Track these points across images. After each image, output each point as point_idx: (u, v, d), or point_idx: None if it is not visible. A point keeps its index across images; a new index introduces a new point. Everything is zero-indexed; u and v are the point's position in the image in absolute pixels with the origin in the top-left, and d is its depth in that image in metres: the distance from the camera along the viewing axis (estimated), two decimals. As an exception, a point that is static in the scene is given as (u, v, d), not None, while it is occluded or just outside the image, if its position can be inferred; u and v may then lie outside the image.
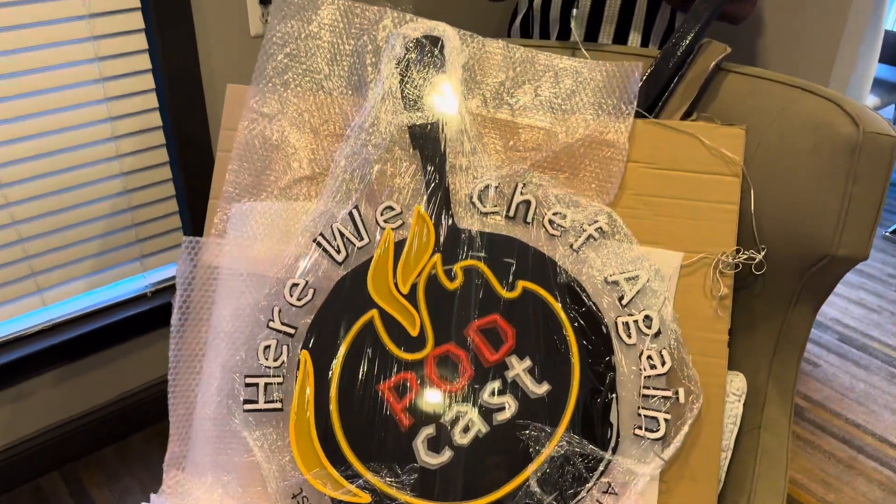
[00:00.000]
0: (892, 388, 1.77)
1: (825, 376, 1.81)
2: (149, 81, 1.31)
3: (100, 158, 1.30)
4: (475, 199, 0.92)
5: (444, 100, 0.94)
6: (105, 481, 1.45)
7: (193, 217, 1.42)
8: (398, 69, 0.94)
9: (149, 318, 1.44)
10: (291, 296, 0.91)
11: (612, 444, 0.87)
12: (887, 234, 2.48)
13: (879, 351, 1.89)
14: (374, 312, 0.91)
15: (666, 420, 0.86)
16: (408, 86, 0.94)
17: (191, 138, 1.36)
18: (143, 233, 1.41)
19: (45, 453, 1.44)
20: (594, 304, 0.90)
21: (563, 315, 0.89)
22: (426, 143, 0.94)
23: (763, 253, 0.88)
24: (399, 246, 0.92)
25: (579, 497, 0.85)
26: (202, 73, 1.33)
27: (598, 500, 0.86)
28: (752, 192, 0.90)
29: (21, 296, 1.31)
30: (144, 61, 1.29)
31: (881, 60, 2.45)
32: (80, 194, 1.30)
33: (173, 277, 1.48)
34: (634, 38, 1.22)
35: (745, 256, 0.88)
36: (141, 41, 1.26)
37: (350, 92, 0.97)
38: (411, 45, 0.95)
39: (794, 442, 1.62)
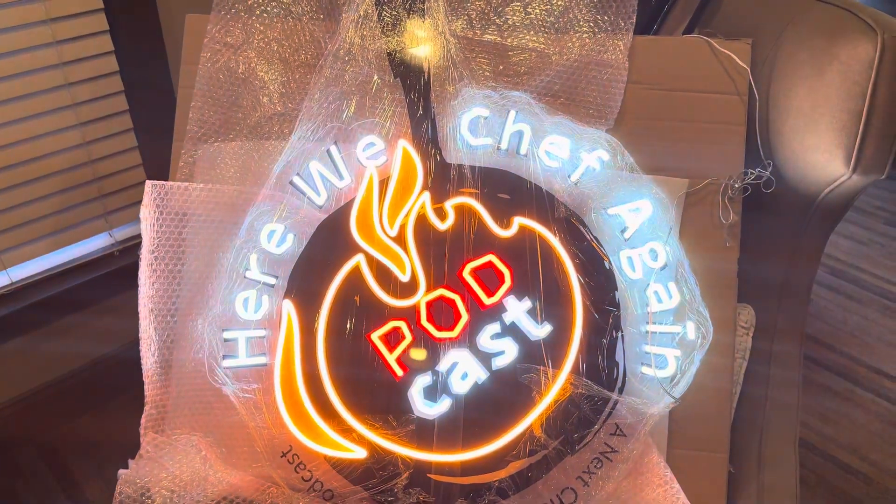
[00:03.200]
0: (886, 319, 1.75)
1: (818, 311, 1.79)
2: (102, 22, 1.20)
3: (54, 108, 1.20)
4: (464, 131, 0.85)
5: (425, 22, 0.86)
6: (83, 450, 1.39)
7: (159, 168, 1.32)
8: (374, -11, 0.86)
9: (118, 277, 1.36)
10: (269, 242, 0.84)
11: (619, 384, 0.82)
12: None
13: (871, 283, 1.87)
14: (360, 257, 0.84)
15: (675, 357, 0.81)
16: (385, 7, 0.86)
17: (150, 82, 1.27)
18: (107, 187, 1.32)
19: (18, 425, 1.37)
20: (595, 238, 0.84)
21: (562, 251, 0.83)
22: (408, 70, 0.86)
23: (770, 169, 0.82)
24: (384, 184, 0.85)
25: (586, 440, 0.81)
26: (159, 8, 1.23)
27: (605, 443, 0.81)
28: (757, 104, 0.83)
29: (-23, 259, 1.22)
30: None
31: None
32: (34, 147, 1.20)
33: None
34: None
35: (753, 177, 0.83)
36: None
37: (321, 17, 0.88)
38: (387, -38, 0.86)
39: (789, 377, 1.60)
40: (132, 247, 1.39)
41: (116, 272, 1.35)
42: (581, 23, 0.85)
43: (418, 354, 0.83)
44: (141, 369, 0.86)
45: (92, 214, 1.33)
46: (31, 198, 1.24)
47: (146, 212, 0.83)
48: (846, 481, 1.36)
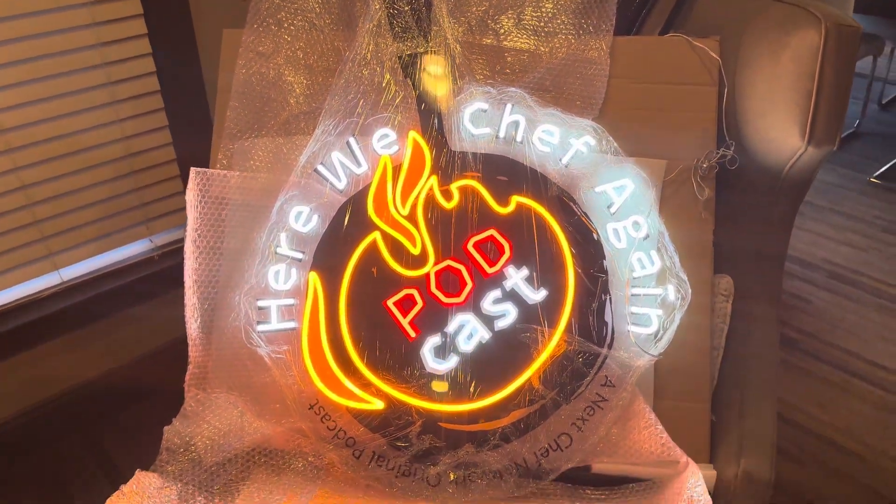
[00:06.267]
0: (884, 318, 1.82)
1: (817, 310, 1.87)
2: (145, 46, 1.34)
3: (100, 123, 1.34)
4: (467, 122, 0.96)
5: (431, 29, 0.98)
6: (125, 440, 1.49)
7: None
8: (386, 3, 0.99)
9: (157, 279, 1.48)
10: (297, 222, 0.95)
11: (608, 340, 0.91)
12: (872, 178, 2.53)
13: (868, 285, 1.94)
14: (376, 234, 0.95)
15: (658, 316, 0.91)
16: (396, 18, 0.99)
17: (188, 100, 1.40)
18: (147, 196, 1.45)
19: (64, 416, 1.48)
20: (585, 213, 0.94)
21: (555, 226, 0.94)
22: (417, 71, 0.98)
23: (732, 148, 0.92)
24: (397, 170, 0.96)
25: (579, 391, 0.90)
26: (196, 32, 1.38)
27: (597, 393, 0.90)
28: (725, 92, 0.94)
29: (32, 260, 1.35)
30: (140, 26, 1.33)
31: (855, 11, 2.47)
32: (83, 158, 1.34)
33: (179, 241, 1.53)
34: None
35: (719, 156, 0.93)
36: (136, 6, 1.31)
37: (341, 28, 1.01)
38: (398, -21, 0.99)
39: (789, 371, 1.68)
40: (171, 252, 1.51)
41: (156, 274, 1.48)
42: (567, 26, 0.97)
43: (429, 318, 0.93)
44: (177, 367, 0.97)
45: (134, 222, 1.46)
46: (80, 205, 1.37)
47: (190, 195, 0.95)
48: (842, 461, 1.42)
